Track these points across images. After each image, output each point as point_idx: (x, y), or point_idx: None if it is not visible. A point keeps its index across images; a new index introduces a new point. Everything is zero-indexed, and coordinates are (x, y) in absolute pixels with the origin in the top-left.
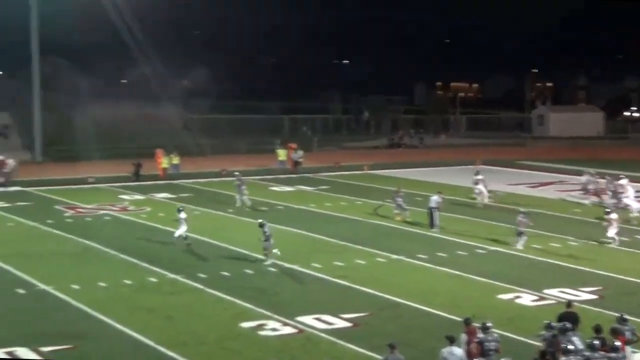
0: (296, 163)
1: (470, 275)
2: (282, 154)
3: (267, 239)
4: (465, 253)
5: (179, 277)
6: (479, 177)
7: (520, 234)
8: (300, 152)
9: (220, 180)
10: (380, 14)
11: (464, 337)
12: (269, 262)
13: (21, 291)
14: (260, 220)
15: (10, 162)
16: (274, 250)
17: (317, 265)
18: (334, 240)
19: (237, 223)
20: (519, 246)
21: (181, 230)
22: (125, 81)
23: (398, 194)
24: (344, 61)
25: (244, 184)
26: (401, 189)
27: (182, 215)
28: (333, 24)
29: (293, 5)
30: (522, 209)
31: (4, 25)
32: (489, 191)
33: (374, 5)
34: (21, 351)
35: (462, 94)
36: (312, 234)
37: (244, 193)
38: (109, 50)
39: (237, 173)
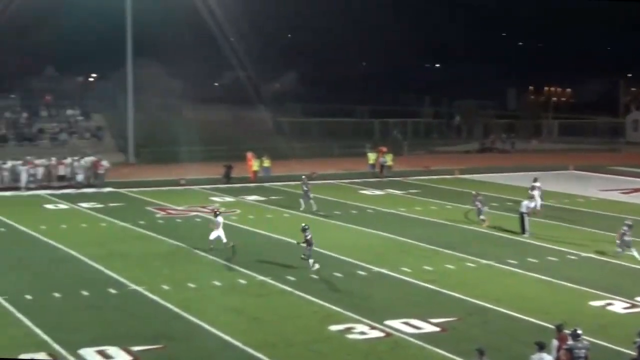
0: (382, 167)
1: (561, 282)
2: (372, 157)
3: (308, 244)
4: (556, 259)
5: (267, 279)
6: (537, 183)
7: (628, 244)
8: (386, 157)
9: (310, 184)
10: (471, 17)
11: (555, 343)
12: (315, 266)
13: (113, 291)
14: (303, 224)
15: (104, 163)
16: (310, 261)
17: (406, 269)
18: (424, 245)
19: (326, 226)
20: (638, 255)
21: (216, 234)
22: (217, 84)
23: (477, 198)
24: (436, 65)
25: (309, 188)
26: (480, 193)
27: (220, 219)
28: (424, 27)
29: (383, 9)
30: (628, 221)
31: (98, 28)
32: (585, 197)
33: (466, 9)
34: (112, 350)
35: (554, 99)
36: (401, 238)
37: (309, 196)
38: (201, 53)
39: (303, 177)
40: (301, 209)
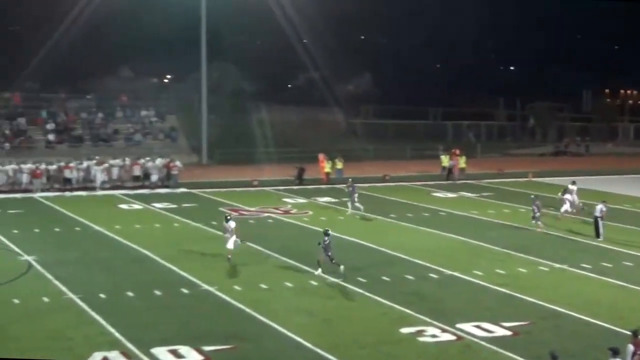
0: (450, 169)
1: (636, 287)
2: (445, 160)
3: (325, 249)
4: (631, 263)
5: (339, 281)
6: (573, 187)
7: None
8: (452, 161)
9: (383, 186)
10: (545, 19)
11: (630, 348)
12: (318, 271)
13: (185, 291)
14: (326, 229)
15: (178, 164)
16: (341, 267)
17: (478, 272)
18: (496, 248)
19: (398, 228)
20: None
21: (232, 241)
22: (290, 85)
23: (535, 202)
24: (510, 67)
25: (355, 191)
26: (538, 196)
27: (231, 224)
28: (498, 28)
29: (458, 11)
30: None
31: (173, 30)
32: None
33: (541, 11)
34: (184, 349)
35: (630, 102)
36: (473, 241)
37: (355, 200)
38: (275, 55)
39: (350, 180)
40: (360, 211)
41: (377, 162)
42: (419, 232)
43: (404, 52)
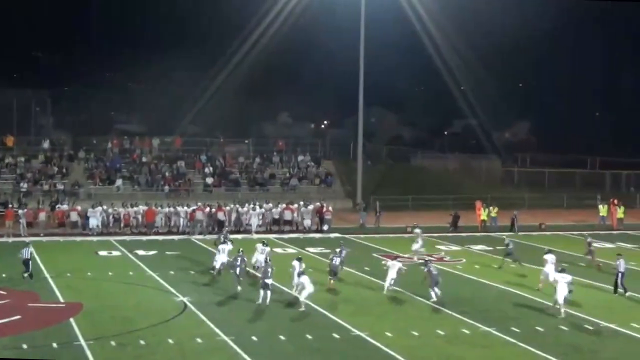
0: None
1: None
2: (603, 209)
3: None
4: None
5: (492, 330)
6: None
7: None
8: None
9: (539, 234)
10: None
11: None
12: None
13: (336, 335)
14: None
15: (330, 209)
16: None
17: (636, 325)
18: None
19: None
20: None
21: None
22: (446, 132)
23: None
24: None
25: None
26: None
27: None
28: None
29: (617, 58)
30: None
31: (331, 77)
32: None
33: None
34: None
35: None
36: (633, 294)
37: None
38: (431, 102)
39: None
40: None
41: (534, 211)
42: (574, 283)
43: (562, 100)
